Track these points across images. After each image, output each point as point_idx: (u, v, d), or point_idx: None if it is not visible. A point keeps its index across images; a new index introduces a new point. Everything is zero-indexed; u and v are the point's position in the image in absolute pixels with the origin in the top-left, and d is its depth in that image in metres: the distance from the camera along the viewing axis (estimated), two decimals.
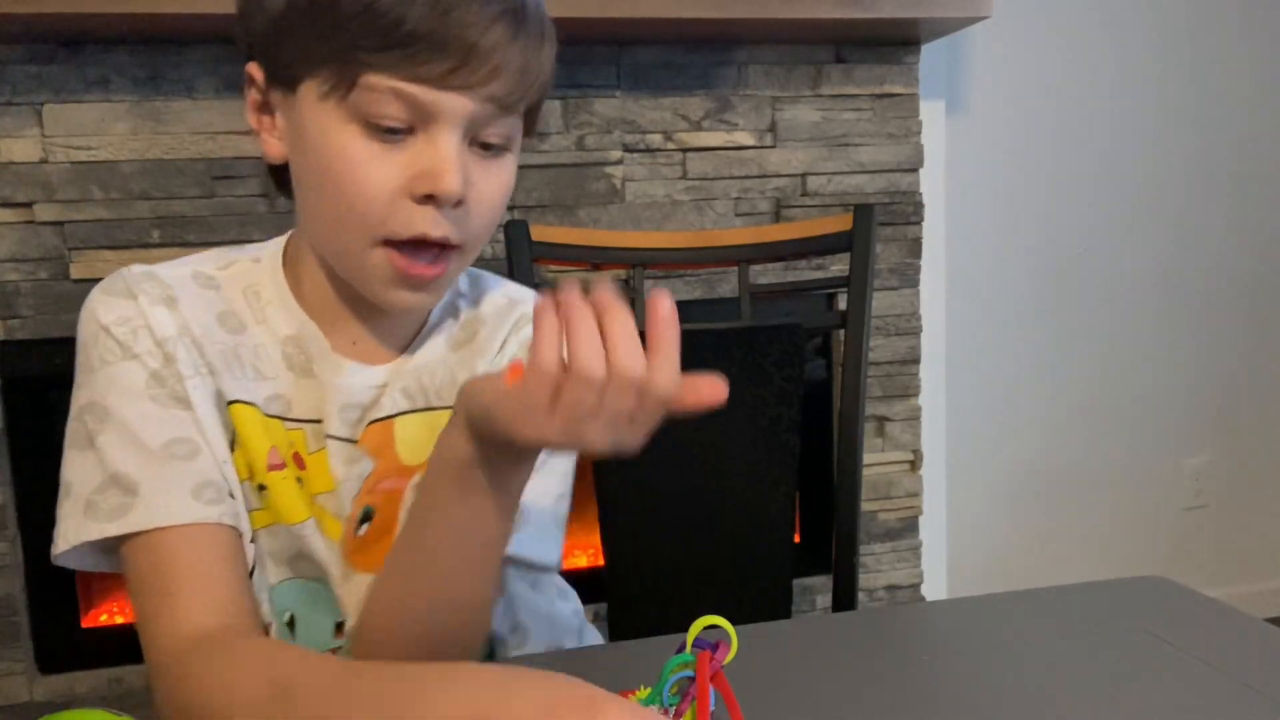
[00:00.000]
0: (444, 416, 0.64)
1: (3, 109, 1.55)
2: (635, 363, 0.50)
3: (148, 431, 0.64)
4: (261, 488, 0.69)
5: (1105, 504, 2.36)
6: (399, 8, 0.58)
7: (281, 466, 0.69)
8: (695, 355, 1.12)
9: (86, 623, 1.72)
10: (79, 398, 0.66)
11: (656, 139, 1.80)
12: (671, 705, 0.55)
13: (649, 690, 0.56)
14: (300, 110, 0.62)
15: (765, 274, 1.75)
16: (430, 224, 0.62)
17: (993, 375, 2.24)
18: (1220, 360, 2.39)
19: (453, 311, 0.75)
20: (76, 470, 0.64)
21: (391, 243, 0.63)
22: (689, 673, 0.55)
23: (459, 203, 0.62)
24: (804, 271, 1.84)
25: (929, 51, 1.93)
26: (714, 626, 0.58)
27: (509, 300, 0.77)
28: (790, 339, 1.13)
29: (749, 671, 0.64)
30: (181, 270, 0.70)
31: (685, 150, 1.82)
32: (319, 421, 0.69)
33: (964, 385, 2.16)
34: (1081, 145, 2.23)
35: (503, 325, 0.75)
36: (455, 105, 0.60)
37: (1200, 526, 2.43)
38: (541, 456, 0.65)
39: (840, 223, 1.14)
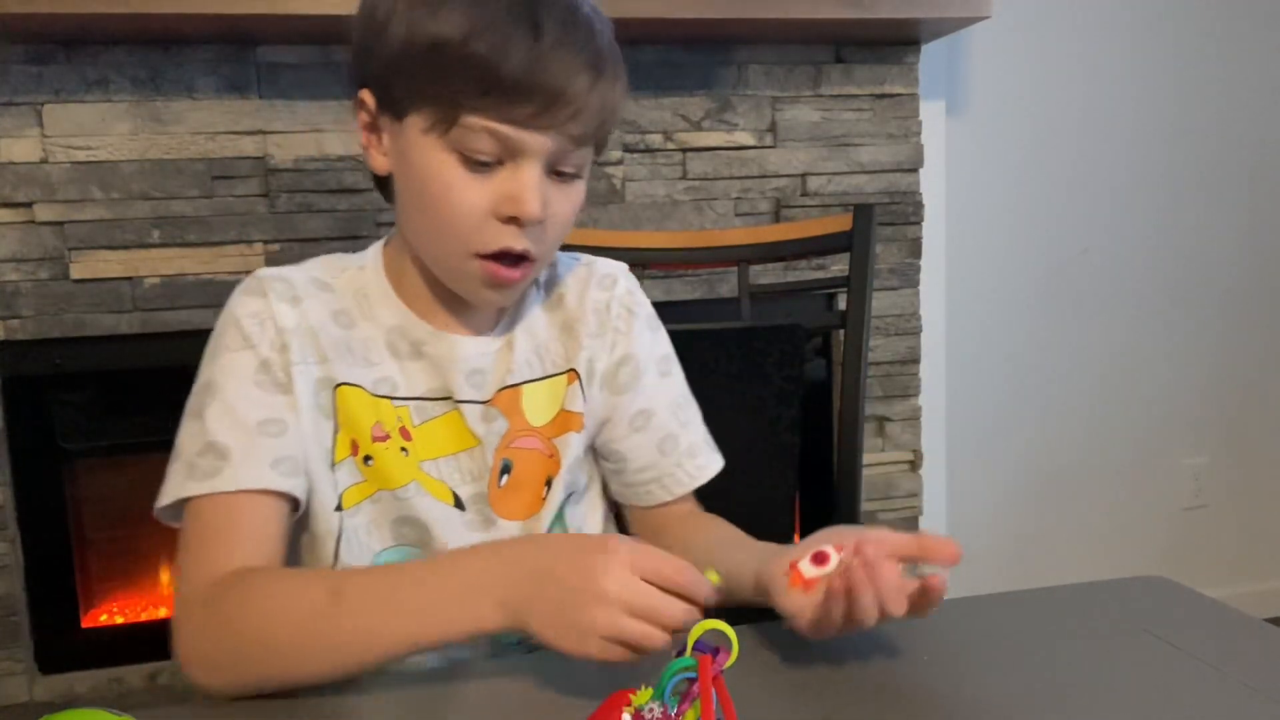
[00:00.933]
0: (559, 382, 0.82)
1: (3, 109, 1.55)
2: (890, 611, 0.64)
3: (247, 410, 0.73)
4: (368, 459, 0.78)
5: (1105, 504, 2.36)
6: (495, 59, 0.67)
7: (385, 438, 0.78)
8: (695, 355, 1.12)
9: (86, 623, 1.72)
10: (201, 376, 0.76)
11: (656, 139, 1.80)
12: (671, 705, 0.55)
13: (650, 690, 0.56)
14: (406, 138, 0.72)
15: (765, 274, 1.75)
16: (513, 239, 0.72)
17: (993, 375, 2.24)
18: (1220, 360, 2.39)
19: (533, 282, 0.85)
20: (185, 436, 0.74)
21: (481, 255, 0.73)
22: (690, 674, 0.55)
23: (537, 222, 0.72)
24: (804, 271, 1.84)
25: (929, 51, 1.93)
26: (714, 630, 0.59)
27: (578, 262, 0.88)
28: (790, 339, 1.13)
29: (749, 672, 0.64)
30: (303, 275, 0.80)
31: (685, 150, 1.82)
32: (436, 399, 0.79)
33: (964, 385, 2.16)
34: (1081, 145, 2.23)
35: (586, 286, 0.86)
36: (539, 142, 0.70)
37: (1200, 526, 2.43)
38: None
39: (840, 223, 1.14)
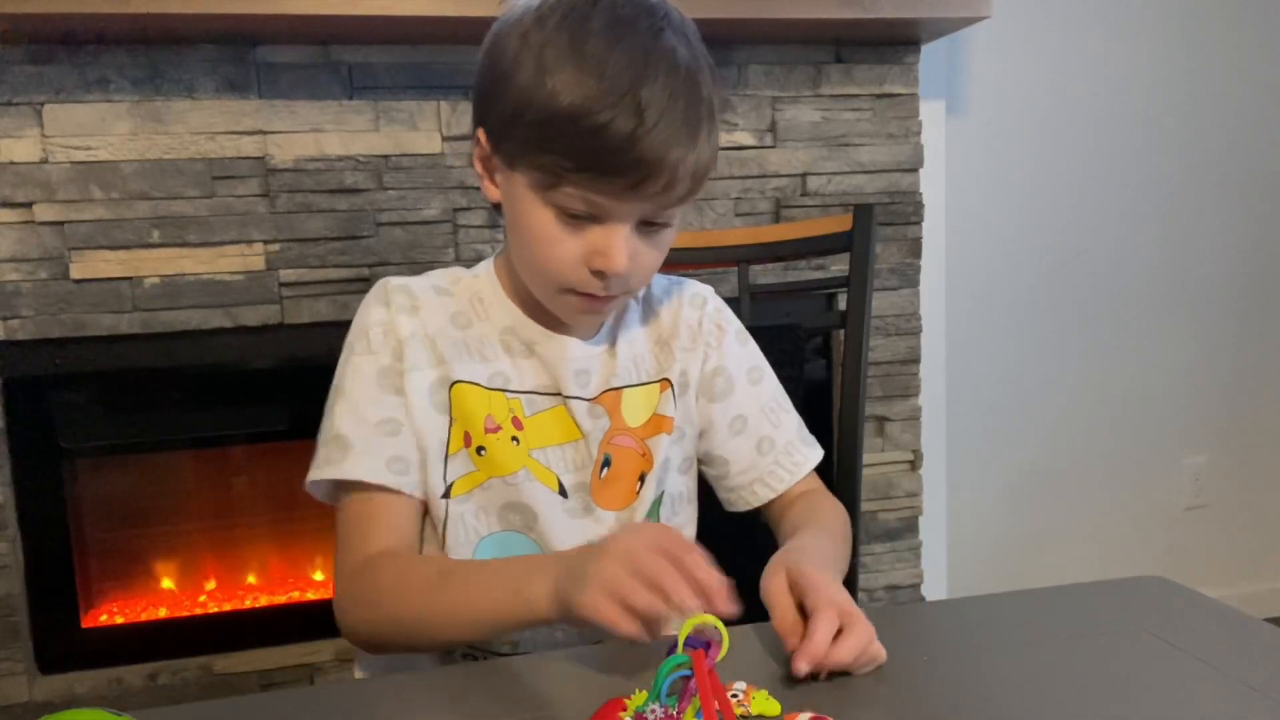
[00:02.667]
0: (654, 389, 0.89)
1: (3, 109, 1.55)
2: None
3: (368, 409, 0.83)
4: (480, 449, 0.84)
5: (1105, 504, 2.36)
6: (596, 140, 0.71)
7: (497, 430, 0.84)
8: None
9: (86, 623, 1.72)
10: (335, 376, 0.86)
11: None
12: (670, 705, 0.55)
13: (644, 694, 0.56)
14: (514, 185, 0.79)
15: (765, 274, 1.75)
16: (600, 287, 0.79)
17: (993, 375, 2.24)
18: (1220, 360, 2.39)
19: (634, 296, 0.92)
20: (322, 427, 0.84)
21: (574, 291, 0.80)
22: (685, 672, 0.55)
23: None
24: (804, 271, 1.84)
25: (929, 51, 1.93)
26: (704, 625, 0.59)
27: (670, 281, 0.96)
28: (790, 339, 1.13)
29: (749, 671, 0.64)
30: (425, 283, 0.89)
31: None
32: (546, 394, 0.86)
33: (964, 385, 2.16)
34: (1081, 145, 2.23)
35: (678, 303, 0.94)
36: (630, 209, 0.76)
37: (1200, 526, 2.43)
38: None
39: (840, 223, 1.14)
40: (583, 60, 0.72)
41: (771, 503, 0.94)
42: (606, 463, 0.87)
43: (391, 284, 0.87)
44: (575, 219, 0.76)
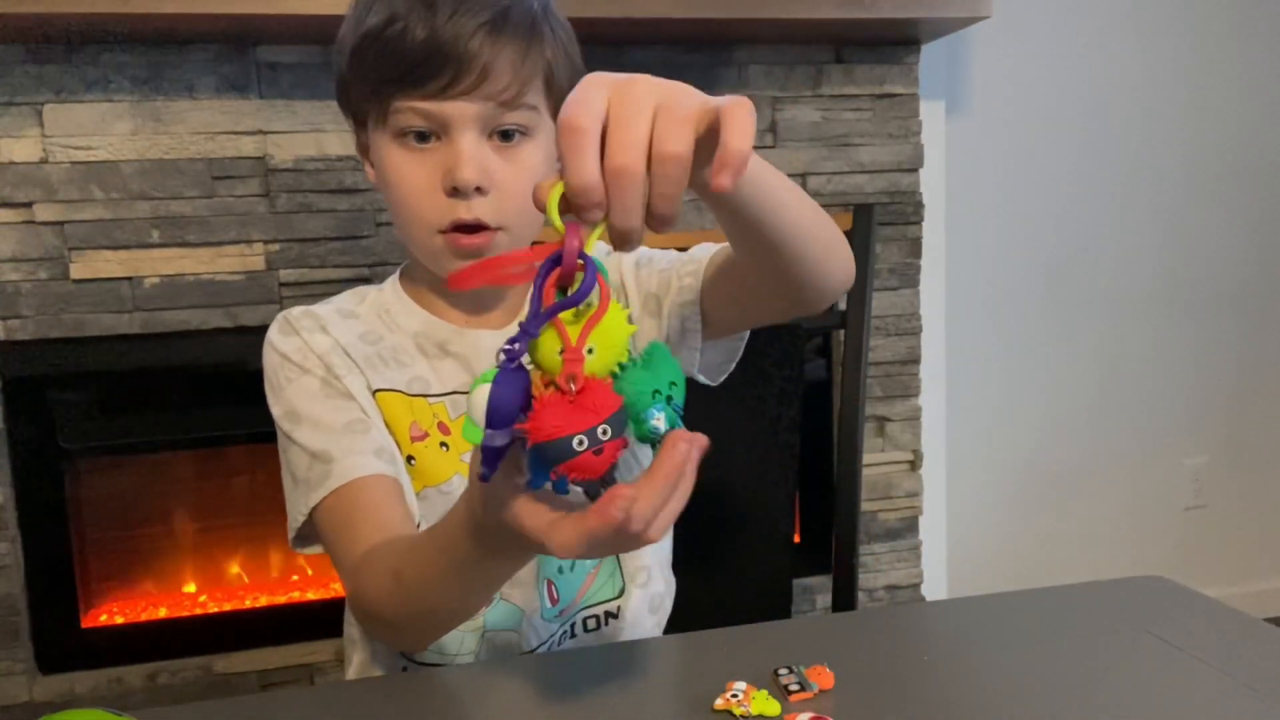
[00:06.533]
0: None
1: (3, 109, 1.55)
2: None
3: (330, 419, 0.79)
4: (410, 459, 0.82)
5: (1105, 504, 2.36)
6: (398, 43, 0.73)
7: (424, 437, 0.82)
8: None
9: (86, 623, 1.72)
10: (276, 412, 0.82)
11: None
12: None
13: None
14: (372, 140, 0.80)
15: None
16: (462, 210, 0.76)
17: (993, 375, 2.24)
18: (1220, 360, 2.39)
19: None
20: (291, 464, 0.80)
21: (441, 230, 0.78)
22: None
23: (480, 189, 0.76)
24: None
25: (929, 51, 1.93)
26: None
27: None
28: (790, 339, 1.13)
29: (749, 671, 0.64)
30: (328, 308, 0.87)
31: None
32: (467, 392, 0.79)
33: (964, 385, 2.16)
34: (1081, 145, 2.23)
35: None
36: (459, 111, 0.75)
37: (1200, 526, 2.43)
38: None
39: (840, 223, 1.13)
40: None
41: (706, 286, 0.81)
42: None
43: (292, 314, 0.85)
44: (421, 140, 0.76)
